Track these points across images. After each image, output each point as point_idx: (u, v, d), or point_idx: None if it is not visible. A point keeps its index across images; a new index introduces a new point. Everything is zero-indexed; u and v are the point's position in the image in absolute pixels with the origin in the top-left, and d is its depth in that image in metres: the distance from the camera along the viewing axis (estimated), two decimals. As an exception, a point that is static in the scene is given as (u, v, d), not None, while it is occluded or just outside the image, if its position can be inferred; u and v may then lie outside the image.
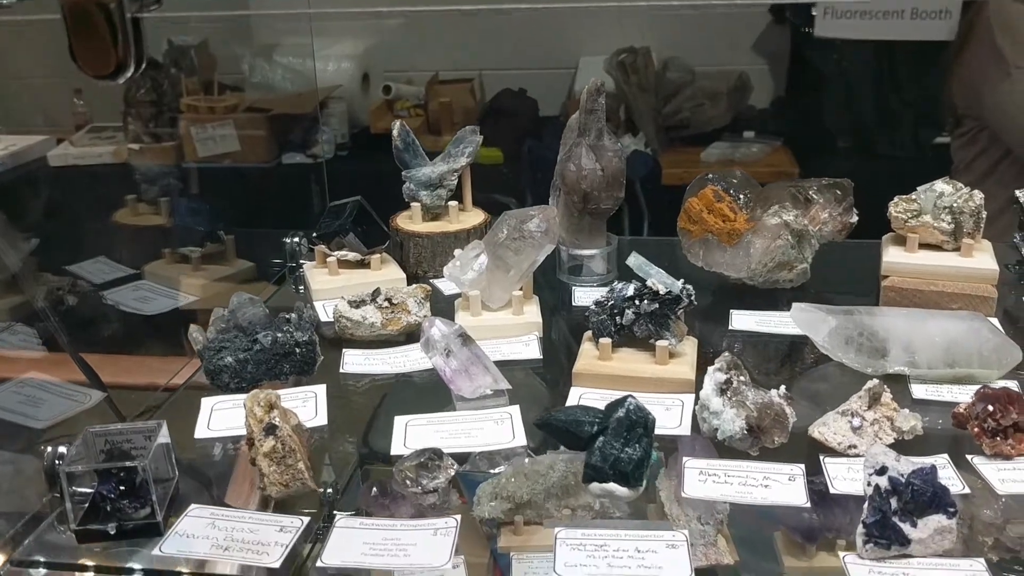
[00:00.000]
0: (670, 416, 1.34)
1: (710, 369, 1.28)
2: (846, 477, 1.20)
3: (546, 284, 1.75)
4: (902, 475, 1.08)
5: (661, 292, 1.41)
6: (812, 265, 1.68)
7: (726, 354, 1.29)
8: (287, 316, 1.45)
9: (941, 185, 1.60)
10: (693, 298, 1.42)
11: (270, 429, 1.19)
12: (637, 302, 1.42)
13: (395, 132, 1.80)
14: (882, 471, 1.09)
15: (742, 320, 1.59)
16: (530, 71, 3.77)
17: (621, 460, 1.15)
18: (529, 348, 1.53)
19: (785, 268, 1.64)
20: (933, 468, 1.09)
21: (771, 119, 3.61)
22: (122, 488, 1.14)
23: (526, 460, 2.02)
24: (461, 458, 1.25)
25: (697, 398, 1.31)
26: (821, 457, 1.24)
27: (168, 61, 4.06)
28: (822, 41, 3.26)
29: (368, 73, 3.95)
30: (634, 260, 1.45)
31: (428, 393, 1.44)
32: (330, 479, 1.30)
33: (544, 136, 3.34)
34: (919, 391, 1.38)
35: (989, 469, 1.20)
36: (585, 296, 1.69)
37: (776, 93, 3.70)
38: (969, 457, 1.23)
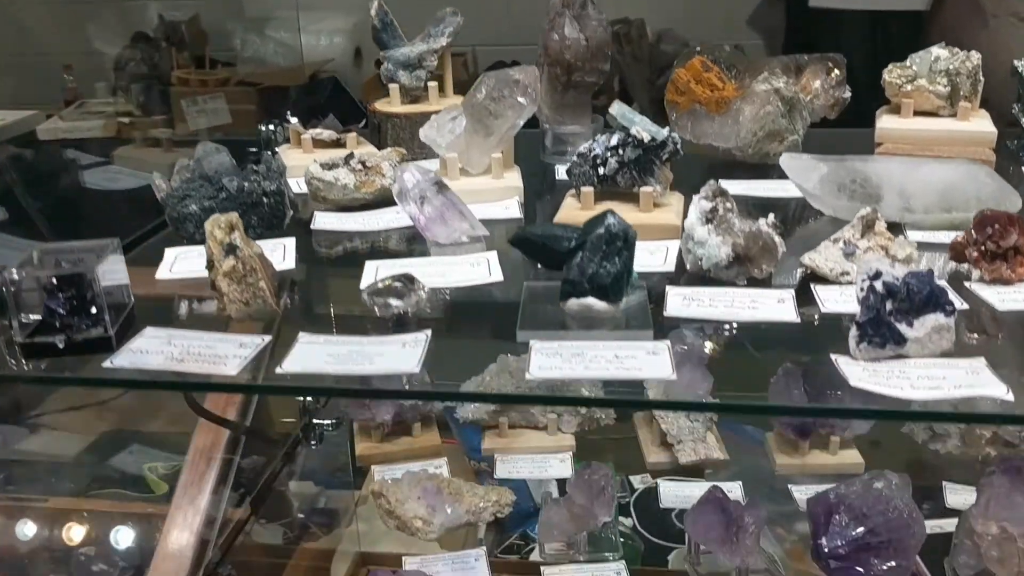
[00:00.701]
0: (654, 258, 1.28)
1: (695, 198, 1.22)
2: (838, 300, 1.14)
3: (530, 166, 1.69)
4: (897, 279, 1.02)
5: (646, 140, 1.36)
6: (804, 147, 1.63)
7: (711, 182, 1.23)
8: (255, 167, 1.39)
9: (937, 50, 1.55)
10: (679, 145, 1.37)
11: (230, 249, 1.13)
12: (620, 150, 1.36)
13: (373, 11, 1.75)
14: (876, 276, 1.03)
15: (731, 187, 1.51)
16: (523, 47, 3.73)
17: (599, 274, 1.09)
18: (509, 211, 1.47)
19: (776, 139, 1.59)
20: (930, 270, 1.03)
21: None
22: (72, 304, 1.08)
23: (510, 358, 1.97)
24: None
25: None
26: (812, 285, 1.18)
27: (159, 35, 4.02)
28: (817, 12, 3.21)
29: (360, 48, 3.91)
30: (617, 109, 1.39)
31: (403, 247, 1.39)
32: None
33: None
34: (915, 237, 1.31)
35: (988, 292, 1.14)
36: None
37: (771, 67, 3.65)
38: (967, 284, 1.17)
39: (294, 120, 1.69)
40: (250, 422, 1.97)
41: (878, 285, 1.02)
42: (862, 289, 1.03)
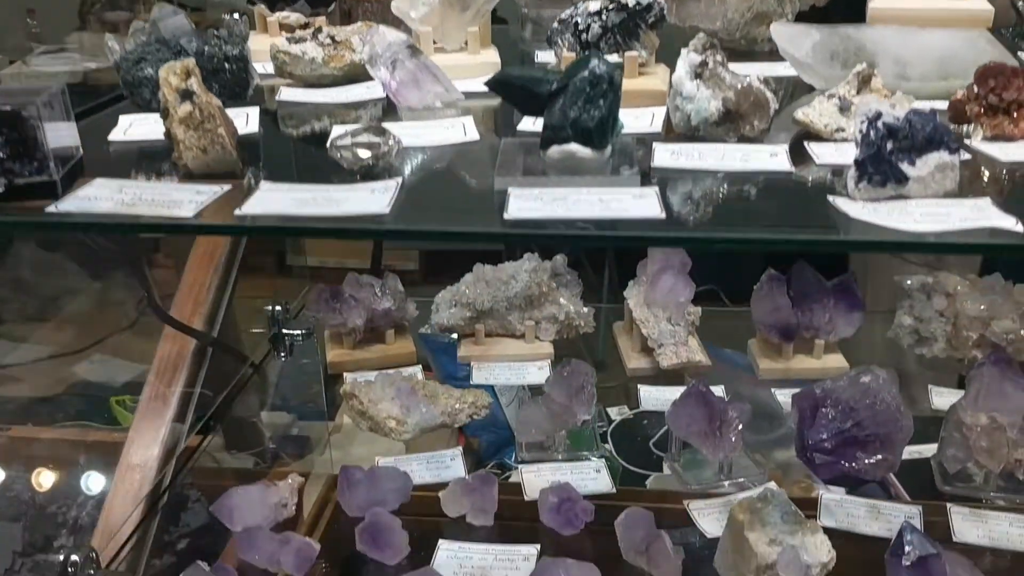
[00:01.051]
0: (639, 123, 1.21)
1: (683, 51, 1.15)
2: (833, 155, 1.08)
3: (509, 57, 1.61)
4: (898, 118, 0.96)
5: (630, 4, 1.29)
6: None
7: (701, 34, 1.16)
8: (215, 32, 1.31)
9: (932, -76, 1.49)
10: (664, 10, 1.30)
11: (186, 94, 1.05)
12: (603, 15, 1.29)
13: None
14: (877, 116, 0.97)
15: (718, 67, 1.46)
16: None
17: (583, 119, 1.02)
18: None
19: (764, 22, 1.52)
20: (933, 111, 0.98)
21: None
22: (14, 148, 1.00)
23: (486, 268, 1.89)
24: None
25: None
26: (805, 142, 1.12)
27: (126, -25, 3.88)
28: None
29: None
30: (600, -28, 1.32)
31: (375, 116, 1.31)
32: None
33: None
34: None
35: (991, 148, 1.09)
36: (549, 58, 1.56)
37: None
38: (968, 141, 1.11)
39: (260, 4, 1.60)
40: (217, 333, 1.90)
41: (879, 124, 0.96)
42: (861, 129, 0.97)
